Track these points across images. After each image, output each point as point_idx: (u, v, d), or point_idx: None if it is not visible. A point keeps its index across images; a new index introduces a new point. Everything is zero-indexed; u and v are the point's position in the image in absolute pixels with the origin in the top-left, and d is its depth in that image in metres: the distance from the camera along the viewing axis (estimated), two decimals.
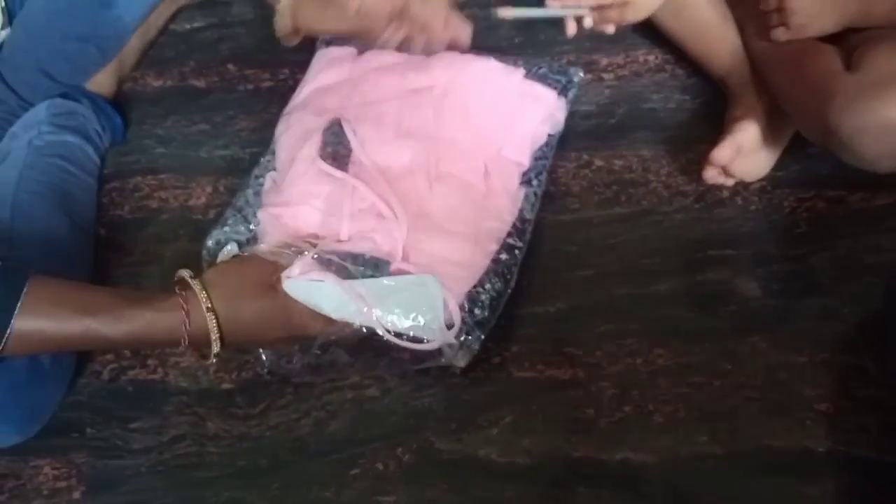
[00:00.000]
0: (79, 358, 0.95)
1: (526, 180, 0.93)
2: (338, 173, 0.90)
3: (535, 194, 0.93)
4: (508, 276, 0.87)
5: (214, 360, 0.80)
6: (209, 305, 0.75)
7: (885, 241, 0.92)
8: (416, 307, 0.81)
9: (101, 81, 1.16)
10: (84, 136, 1.08)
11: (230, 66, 1.20)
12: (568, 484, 0.82)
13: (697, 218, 0.97)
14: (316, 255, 0.82)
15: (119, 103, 1.17)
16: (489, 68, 0.96)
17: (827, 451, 0.81)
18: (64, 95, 1.10)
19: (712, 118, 1.01)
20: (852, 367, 0.85)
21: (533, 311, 0.93)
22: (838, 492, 0.79)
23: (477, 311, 0.83)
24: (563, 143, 1.03)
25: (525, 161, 0.93)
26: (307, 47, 1.04)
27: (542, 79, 0.97)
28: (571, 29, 0.93)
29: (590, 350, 0.90)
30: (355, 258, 0.84)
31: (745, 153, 0.92)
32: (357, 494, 0.84)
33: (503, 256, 0.88)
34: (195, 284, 0.76)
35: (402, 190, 0.88)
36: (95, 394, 0.95)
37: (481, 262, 0.86)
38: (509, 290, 0.87)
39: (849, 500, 0.79)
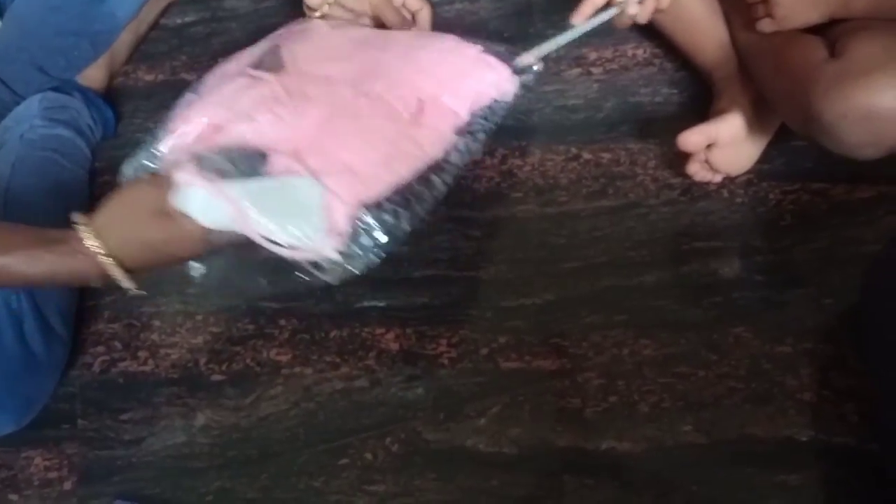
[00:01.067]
0: (70, 349, 0.96)
1: (460, 133, 0.90)
2: (256, 73, 0.85)
3: (468, 148, 0.89)
4: (417, 207, 0.82)
5: (142, 292, 0.76)
6: (102, 252, 0.71)
7: (865, 233, 0.93)
8: (294, 212, 0.74)
9: (93, 75, 1.16)
10: (76, 129, 1.09)
11: (221, 61, 1.20)
12: (554, 473, 0.84)
13: (684, 210, 0.98)
14: (195, 160, 0.75)
15: (110, 97, 1.18)
16: (448, 37, 0.96)
17: (809, 439, 0.82)
18: (56, 89, 1.10)
19: (700, 112, 1.01)
20: (834, 357, 0.86)
21: (520, 303, 0.94)
22: (819, 480, 0.80)
23: (374, 224, 0.76)
24: (552, 137, 1.04)
25: (463, 113, 0.90)
26: None
27: (500, 56, 0.95)
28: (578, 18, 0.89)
29: (576, 341, 0.91)
30: (232, 155, 0.77)
31: (724, 145, 0.93)
32: (346, 484, 0.85)
33: (416, 187, 0.83)
34: (84, 232, 0.71)
35: (321, 93, 0.84)
36: (87, 385, 0.96)
37: (385, 179, 0.80)
38: (414, 220, 0.81)
39: (830, 488, 0.80)
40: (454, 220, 1.00)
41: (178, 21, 1.25)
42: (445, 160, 0.86)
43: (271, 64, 0.89)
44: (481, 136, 0.90)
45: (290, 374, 0.92)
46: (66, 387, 0.95)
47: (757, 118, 0.95)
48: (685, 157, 0.96)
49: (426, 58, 0.92)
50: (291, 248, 0.74)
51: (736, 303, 0.91)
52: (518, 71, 0.94)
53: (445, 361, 0.91)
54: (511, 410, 0.87)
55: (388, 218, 0.77)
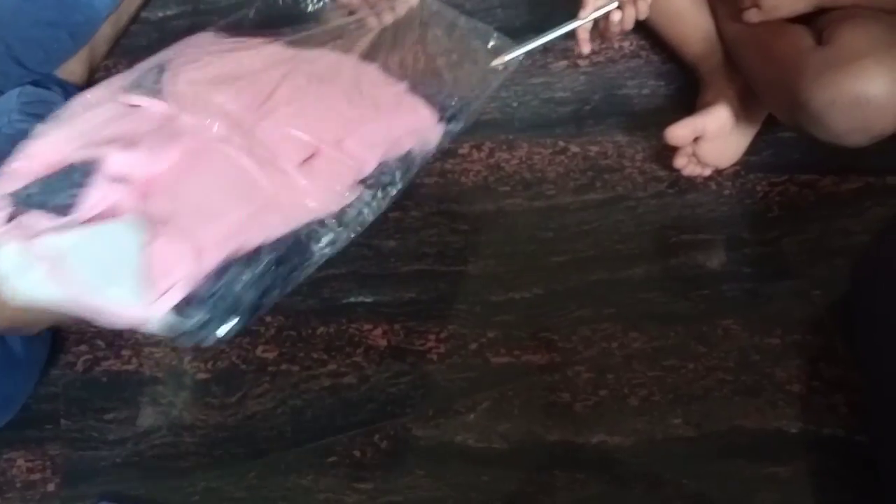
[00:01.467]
0: (52, 349, 0.94)
1: (365, 184, 0.79)
2: (125, 99, 0.75)
3: (372, 202, 0.79)
4: (283, 275, 0.72)
5: None
6: None
7: (853, 224, 0.93)
8: (110, 269, 0.63)
9: (73, 69, 1.14)
10: None
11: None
12: (544, 468, 0.83)
13: (672, 203, 0.97)
14: (9, 205, 0.65)
15: None
16: (371, 68, 0.86)
17: (798, 431, 0.82)
18: (35, 83, 1.08)
19: (687, 104, 1.01)
20: (822, 349, 0.86)
21: (509, 297, 0.93)
22: (809, 471, 0.80)
23: (217, 295, 0.66)
24: (539, 130, 1.03)
25: (370, 162, 0.80)
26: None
27: (430, 99, 0.87)
28: (586, 47, 0.88)
29: (565, 335, 0.90)
30: (52, 185, 0.66)
31: (710, 138, 0.93)
32: (334, 482, 0.85)
33: (289, 249, 0.72)
34: None
35: (193, 127, 0.73)
36: (70, 385, 0.94)
37: (244, 238, 0.69)
38: (280, 292, 0.73)
39: (820, 480, 0.80)
40: (442, 215, 0.99)
41: (160, 14, 1.23)
42: (339, 216, 0.75)
43: (149, 87, 0.78)
44: (391, 189, 0.82)
45: (276, 372, 0.91)
46: (48, 387, 0.94)
47: (744, 110, 0.95)
48: (673, 150, 0.96)
49: (335, 92, 0.81)
50: (108, 314, 0.63)
51: (724, 295, 0.91)
52: (449, 117, 0.85)
53: (434, 357, 0.90)
54: (501, 405, 0.87)
55: (237, 289, 0.67)
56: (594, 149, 1.02)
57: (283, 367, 0.92)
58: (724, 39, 0.99)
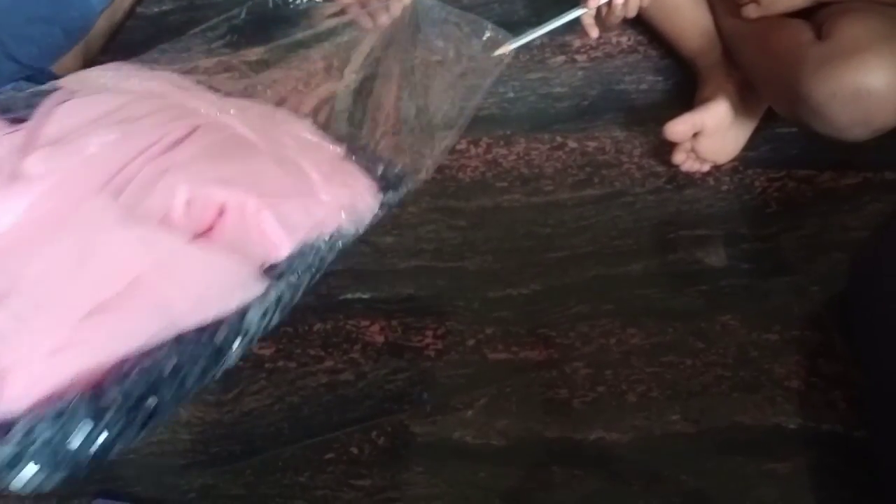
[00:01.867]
0: None
1: (277, 273, 0.64)
2: None
3: (281, 298, 0.64)
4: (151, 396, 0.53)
5: None
6: None
7: (851, 220, 0.93)
8: None
9: (68, 65, 1.13)
10: None
11: None
12: (542, 464, 0.83)
13: (669, 198, 0.97)
14: None
15: None
16: (305, 125, 0.73)
17: (797, 427, 0.82)
18: (29, 78, 1.07)
19: (685, 99, 1.01)
20: (820, 344, 0.86)
21: (507, 293, 0.93)
22: (808, 467, 0.80)
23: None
24: (536, 125, 1.03)
25: (282, 248, 0.64)
26: (276, 28, 1.03)
27: (369, 167, 0.77)
28: (593, 32, 0.88)
29: (563, 331, 0.90)
30: None
31: (709, 133, 0.93)
32: (331, 479, 0.84)
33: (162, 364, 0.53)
34: None
35: (56, 185, 0.57)
36: None
37: (103, 349, 0.52)
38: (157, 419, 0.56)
39: (819, 476, 0.80)
40: (439, 211, 0.98)
41: (155, 10, 1.23)
42: (237, 320, 0.59)
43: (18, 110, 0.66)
44: (304, 278, 0.67)
45: (273, 369, 0.91)
46: None
47: (742, 105, 0.95)
48: (671, 145, 0.95)
49: (254, 152, 0.65)
50: None
51: (722, 291, 0.91)
52: (389, 185, 0.74)
53: (432, 353, 0.90)
54: (498, 402, 0.87)
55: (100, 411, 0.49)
56: (592, 144, 1.01)
57: (280, 363, 0.91)
58: (723, 34, 0.98)
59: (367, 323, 0.93)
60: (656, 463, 0.82)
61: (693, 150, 0.95)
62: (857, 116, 0.79)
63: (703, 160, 0.96)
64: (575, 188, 0.99)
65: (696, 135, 0.94)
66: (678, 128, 0.92)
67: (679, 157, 0.95)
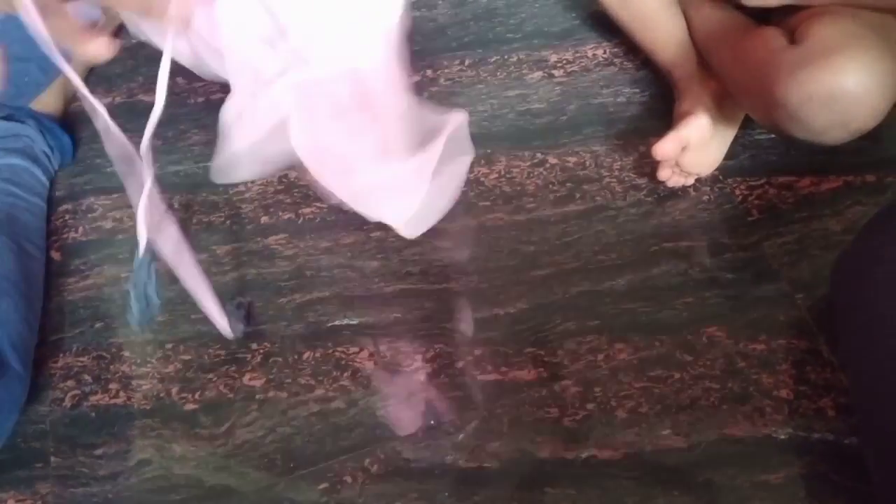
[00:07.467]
0: (39, 385, 0.94)
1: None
2: None
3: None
4: None
5: None
6: None
7: (833, 224, 0.93)
8: None
9: (48, 101, 1.14)
10: (31, 157, 1.06)
11: (179, 80, 1.18)
12: (535, 485, 0.83)
13: (651, 211, 0.97)
14: None
15: (68, 122, 1.15)
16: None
17: (787, 437, 0.82)
18: (8, 117, 1.07)
19: (662, 111, 1.01)
20: (808, 352, 0.86)
21: (494, 314, 0.93)
22: (801, 477, 0.80)
23: None
24: (516, 142, 1.03)
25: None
26: None
27: None
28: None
29: (551, 349, 0.90)
30: None
31: (694, 147, 0.93)
32: None
33: None
34: None
35: None
36: (58, 422, 0.93)
37: None
38: None
39: (811, 485, 0.80)
40: (424, 233, 0.99)
41: (133, 41, 1.22)
42: None
43: None
44: None
45: (264, 400, 0.91)
46: (36, 424, 0.93)
47: (721, 115, 0.95)
48: (653, 161, 0.96)
49: None
50: None
51: (707, 302, 0.91)
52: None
53: (422, 377, 0.90)
54: (490, 424, 0.87)
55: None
56: (572, 159, 1.02)
57: (271, 394, 0.91)
58: (697, 44, 0.99)
59: (356, 349, 0.93)
60: (649, 479, 0.82)
61: (677, 164, 0.95)
62: (833, 118, 0.80)
63: (687, 174, 0.97)
64: (557, 204, 0.99)
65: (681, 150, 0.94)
66: (666, 146, 0.92)
67: (664, 174, 0.96)
